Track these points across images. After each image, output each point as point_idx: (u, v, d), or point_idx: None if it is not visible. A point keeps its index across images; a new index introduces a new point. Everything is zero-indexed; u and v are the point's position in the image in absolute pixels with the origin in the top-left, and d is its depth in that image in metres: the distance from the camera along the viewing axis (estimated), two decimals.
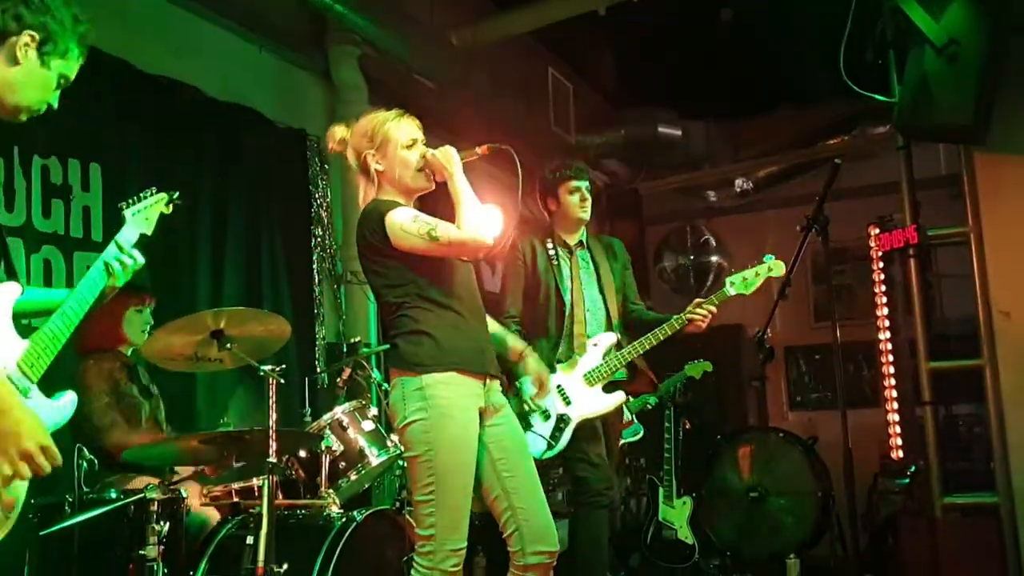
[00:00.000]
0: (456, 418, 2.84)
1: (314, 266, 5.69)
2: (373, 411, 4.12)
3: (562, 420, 4.15)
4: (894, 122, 4.78)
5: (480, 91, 6.63)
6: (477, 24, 6.45)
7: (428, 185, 3.06)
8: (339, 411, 3.99)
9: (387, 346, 5.06)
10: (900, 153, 4.79)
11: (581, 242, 4.50)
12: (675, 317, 4.20)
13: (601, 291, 4.42)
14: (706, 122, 8.28)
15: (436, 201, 3.14)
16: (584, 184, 4.41)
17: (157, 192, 2.63)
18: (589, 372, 4.23)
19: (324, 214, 5.79)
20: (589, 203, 4.42)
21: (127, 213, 2.53)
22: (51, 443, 2.02)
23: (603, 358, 4.25)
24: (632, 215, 9.35)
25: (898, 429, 4.93)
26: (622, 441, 4.90)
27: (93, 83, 4.19)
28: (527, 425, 4.05)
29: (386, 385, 4.42)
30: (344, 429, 3.94)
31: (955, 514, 4.52)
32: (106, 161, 4.41)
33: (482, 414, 2.94)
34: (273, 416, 3.27)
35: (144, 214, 2.57)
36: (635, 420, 5.23)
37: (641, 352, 4.27)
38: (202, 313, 3.37)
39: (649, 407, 5.54)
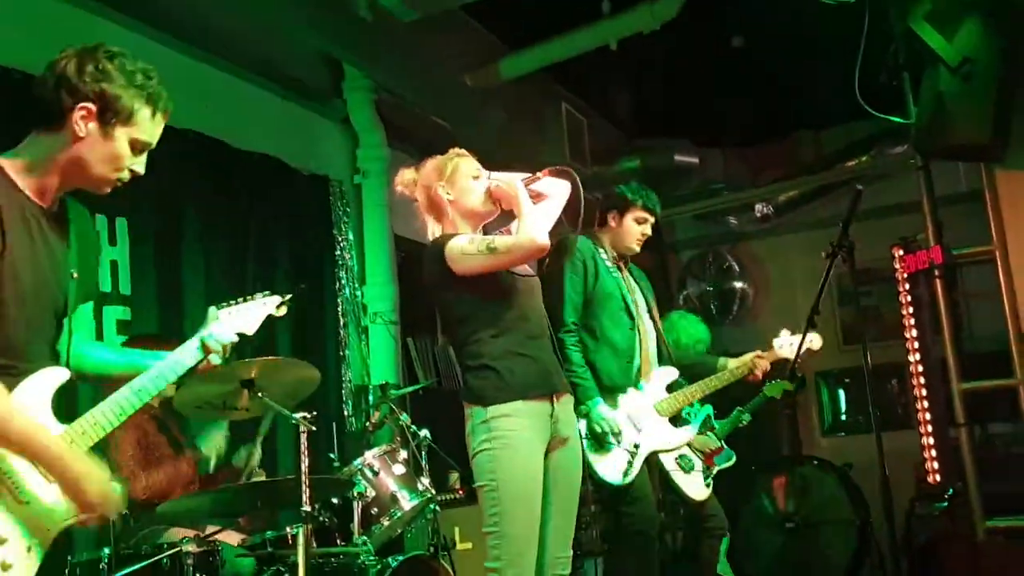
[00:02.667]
0: (520, 450, 2.91)
1: (339, 308, 5.72)
2: (403, 454, 4.11)
3: (635, 447, 4.01)
4: (912, 143, 4.78)
5: (495, 129, 6.68)
6: (490, 64, 6.50)
7: (494, 209, 3.16)
8: (370, 456, 3.98)
9: (415, 387, 5.14)
10: (919, 173, 4.78)
11: (628, 268, 4.43)
12: (737, 366, 4.45)
13: (652, 318, 4.35)
14: (723, 149, 8.29)
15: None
16: (653, 220, 4.33)
17: (268, 294, 2.56)
18: (659, 403, 4.17)
19: (348, 256, 5.83)
20: (645, 239, 4.35)
21: (221, 313, 2.46)
22: (113, 492, 2.05)
23: (667, 391, 4.20)
24: (652, 243, 9.32)
25: (934, 452, 4.87)
26: (716, 468, 4.74)
27: None
28: (605, 448, 3.94)
29: (413, 427, 4.44)
30: (375, 474, 3.93)
31: (998, 538, 4.45)
32: (132, 215, 4.46)
33: (548, 444, 3.00)
34: (305, 464, 3.27)
35: (245, 315, 2.48)
36: (724, 445, 4.93)
37: (707, 392, 4.34)
38: (233, 363, 3.38)
39: (742, 425, 5.16)
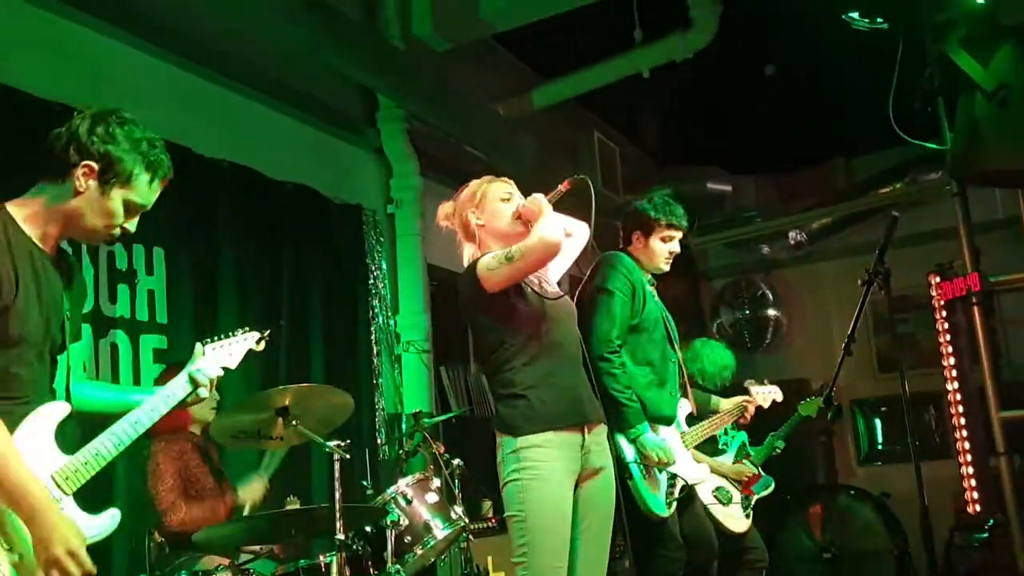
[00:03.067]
0: (549, 480, 2.91)
1: (372, 337, 5.74)
2: (436, 483, 4.10)
3: (674, 478, 3.88)
4: (947, 169, 4.75)
5: (528, 158, 6.71)
6: (523, 93, 6.56)
7: (524, 231, 3.15)
8: (403, 484, 3.97)
9: (448, 416, 5.14)
10: (955, 199, 4.74)
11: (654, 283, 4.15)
12: (731, 410, 4.59)
13: (674, 346, 4.12)
14: (755, 176, 8.27)
15: None
16: (680, 236, 4.04)
17: (248, 330, 2.71)
18: (685, 436, 4.11)
19: (381, 285, 5.86)
20: (673, 256, 4.05)
21: (206, 348, 2.62)
22: (81, 551, 2.10)
23: (687, 424, 4.15)
24: (684, 271, 9.32)
25: (973, 482, 4.79)
26: (755, 496, 4.70)
27: None
28: (653, 477, 3.76)
29: (446, 455, 4.44)
30: (409, 502, 3.92)
31: None
32: (169, 245, 4.52)
33: (578, 476, 2.99)
34: (339, 492, 3.28)
35: (227, 350, 2.64)
36: (762, 472, 4.86)
37: (712, 433, 4.39)
38: (268, 391, 3.41)
39: (777, 452, 5.05)
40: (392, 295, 5.95)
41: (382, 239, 5.92)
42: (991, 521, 5.30)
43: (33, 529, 2.08)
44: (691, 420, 4.27)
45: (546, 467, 2.91)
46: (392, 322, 5.90)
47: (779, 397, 4.80)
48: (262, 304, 5.00)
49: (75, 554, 2.09)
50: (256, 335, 2.67)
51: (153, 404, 2.42)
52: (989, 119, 4.12)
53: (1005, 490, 4.45)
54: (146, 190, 2.34)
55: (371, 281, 5.82)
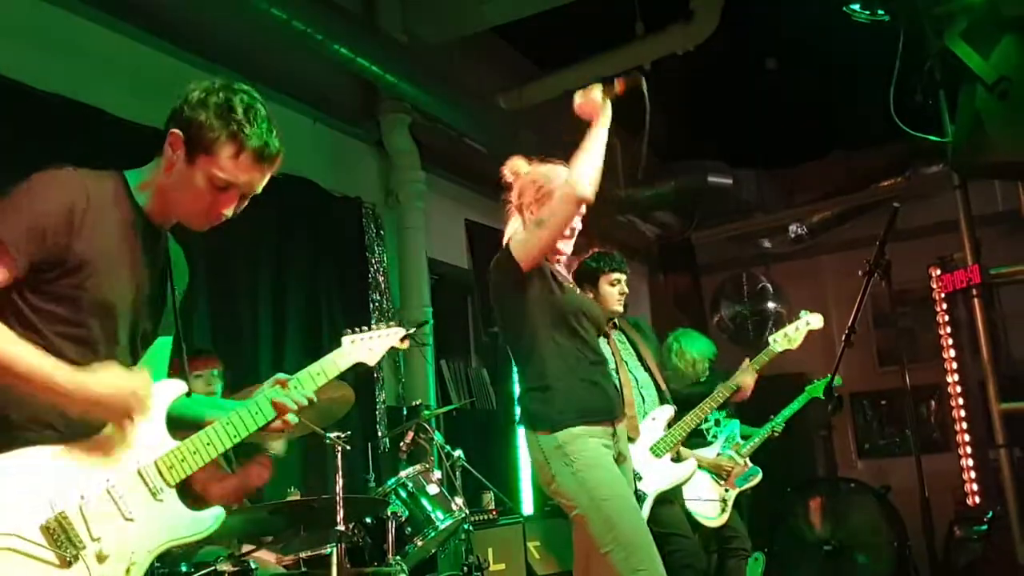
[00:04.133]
0: (603, 465, 2.88)
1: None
2: (437, 474, 4.11)
3: (638, 496, 4.02)
4: (949, 162, 4.74)
5: (529, 150, 6.70)
6: (523, 86, 6.55)
7: (563, 253, 3.13)
8: (404, 475, 3.99)
9: (449, 408, 5.14)
10: (956, 192, 4.74)
11: (613, 322, 4.40)
12: (723, 385, 4.43)
13: (646, 368, 4.35)
14: (757, 170, 8.27)
15: None
16: (624, 277, 4.32)
17: (395, 325, 2.50)
18: (655, 444, 4.18)
19: (381, 278, 5.86)
20: (624, 296, 4.34)
21: (345, 340, 2.40)
22: (141, 392, 1.96)
23: (665, 430, 4.21)
24: (686, 265, 9.33)
25: (973, 474, 4.79)
26: (737, 489, 4.74)
27: None
28: None
29: (447, 448, 4.45)
30: (409, 494, 3.93)
31: None
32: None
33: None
34: (340, 483, 3.29)
35: (368, 344, 2.41)
36: (749, 463, 4.89)
37: (701, 421, 4.34)
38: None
39: (775, 434, 5.11)
40: (393, 288, 5.95)
41: (382, 232, 5.92)
42: (991, 513, 5.30)
43: (102, 410, 1.93)
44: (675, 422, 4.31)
45: (594, 451, 2.88)
46: (393, 315, 5.90)
47: (816, 322, 4.57)
48: (262, 297, 5.01)
49: (139, 400, 1.95)
50: (401, 331, 2.47)
51: (243, 413, 2.15)
52: (990, 111, 4.11)
53: (1005, 482, 4.44)
54: (230, 163, 2.04)
55: (371, 274, 5.82)
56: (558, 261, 3.18)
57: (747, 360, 4.51)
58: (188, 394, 2.15)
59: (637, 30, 6.37)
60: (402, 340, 2.47)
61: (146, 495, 1.99)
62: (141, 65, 4.53)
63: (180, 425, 2.11)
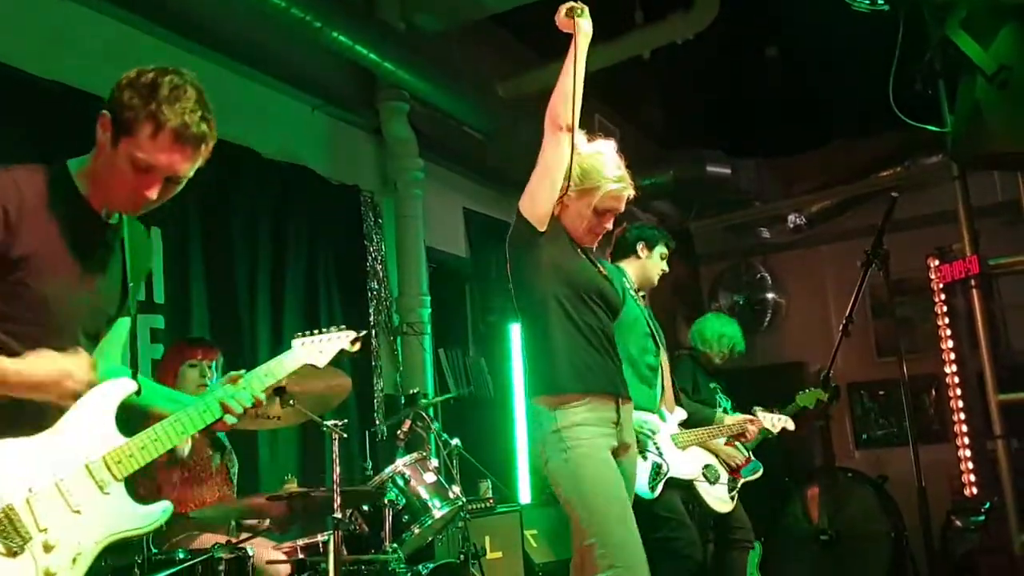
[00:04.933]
0: (595, 456, 2.85)
1: (371, 319, 5.74)
2: (434, 463, 4.11)
3: (658, 470, 4.03)
4: (948, 152, 4.73)
5: (528, 140, 6.69)
6: (522, 75, 6.52)
7: (592, 243, 3.12)
8: (400, 464, 3.99)
9: (447, 396, 5.15)
10: (956, 182, 4.73)
11: (644, 296, 4.43)
12: (731, 424, 4.60)
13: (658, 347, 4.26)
14: (756, 159, 8.25)
15: None
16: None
17: (344, 328, 2.50)
18: (676, 436, 4.23)
19: (379, 267, 5.86)
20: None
21: (295, 343, 2.43)
22: (78, 373, 2.01)
23: (678, 427, 4.27)
24: (684, 255, 9.32)
25: (970, 464, 4.80)
26: (742, 480, 4.75)
27: None
28: (641, 455, 3.84)
29: (445, 436, 4.45)
30: (406, 482, 3.94)
31: None
32: (167, 224, 4.51)
33: (613, 452, 2.94)
34: (336, 471, 3.30)
35: (318, 347, 2.44)
36: (752, 457, 4.92)
37: (706, 440, 4.46)
38: None
39: (771, 436, 5.06)
40: (391, 277, 5.94)
41: (380, 220, 5.91)
42: (988, 504, 5.32)
43: (42, 392, 1.99)
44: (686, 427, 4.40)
45: (590, 442, 2.85)
46: (391, 304, 5.90)
47: (790, 426, 4.79)
48: (260, 285, 5.00)
49: (76, 379, 2.01)
50: (352, 334, 2.48)
51: (195, 409, 2.19)
52: (990, 101, 4.09)
53: (1002, 473, 4.44)
54: (148, 144, 2.01)
55: (369, 263, 5.82)
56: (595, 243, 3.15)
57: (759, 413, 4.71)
58: (138, 393, 2.17)
59: (636, 19, 6.35)
60: (352, 343, 2.48)
61: (93, 488, 2.04)
62: (140, 53, 4.51)
63: (135, 419, 2.17)
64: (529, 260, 2.99)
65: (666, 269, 4.47)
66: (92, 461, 2.05)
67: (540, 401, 2.93)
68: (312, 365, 2.42)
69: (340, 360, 2.48)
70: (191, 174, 2.17)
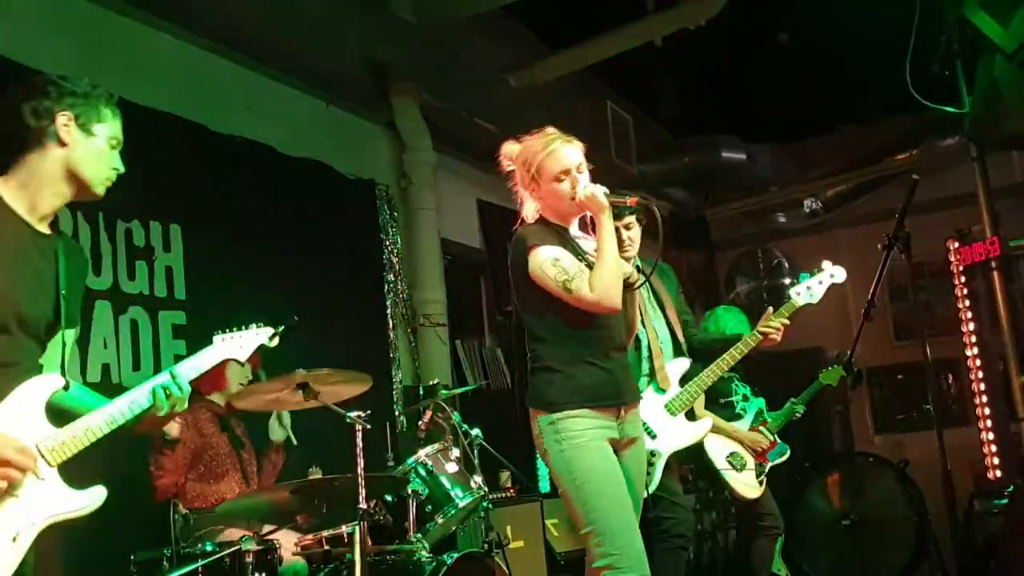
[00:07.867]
0: (591, 448, 2.87)
1: (388, 311, 5.75)
2: (455, 453, 4.12)
3: (652, 456, 3.91)
4: (966, 133, 4.69)
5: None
6: (534, 65, 6.51)
7: (582, 212, 3.08)
8: (423, 454, 4.00)
9: (466, 388, 5.15)
10: (975, 164, 4.69)
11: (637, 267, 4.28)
12: (749, 335, 4.09)
13: (666, 319, 4.20)
14: (770, 144, 8.22)
15: None
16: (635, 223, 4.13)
17: (262, 325, 2.60)
18: (670, 402, 4.07)
19: (395, 260, 5.87)
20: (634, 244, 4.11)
21: (216, 339, 2.55)
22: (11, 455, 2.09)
23: (680, 386, 4.10)
24: (700, 241, 9.29)
25: (993, 447, 4.78)
26: (769, 464, 4.67)
27: (171, 147, 4.35)
28: None
29: (465, 426, 4.45)
30: (429, 472, 3.95)
31: None
32: (186, 221, 4.53)
33: (614, 444, 2.95)
34: (361, 462, 3.31)
35: (238, 343, 2.56)
36: (778, 440, 4.79)
37: (720, 375, 4.13)
38: (293, 375, 3.45)
39: (797, 416, 5.01)
40: (408, 270, 5.95)
41: (395, 214, 5.92)
42: (1011, 488, 5.29)
43: None
44: (689, 378, 4.15)
45: (585, 434, 2.88)
46: (407, 296, 5.91)
47: (839, 277, 4.17)
48: (278, 279, 5.01)
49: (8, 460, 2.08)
50: (269, 331, 2.60)
51: (125, 401, 2.31)
52: (1009, 81, 4.06)
53: None
54: (116, 124, 2.37)
55: (385, 256, 5.83)
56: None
57: (770, 309, 4.17)
58: (66, 387, 2.27)
59: (648, 5, 6.32)
60: (271, 338, 2.59)
61: (28, 474, 2.13)
62: (151, 49, 4.53)
63: (62, 415, 2.25)
64: (531, 285, 2.98)
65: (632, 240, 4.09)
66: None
67: (538, 412, 2.97)
68: (235, 360, 2.54)
69: (261, 353, 2.60)
70: None
